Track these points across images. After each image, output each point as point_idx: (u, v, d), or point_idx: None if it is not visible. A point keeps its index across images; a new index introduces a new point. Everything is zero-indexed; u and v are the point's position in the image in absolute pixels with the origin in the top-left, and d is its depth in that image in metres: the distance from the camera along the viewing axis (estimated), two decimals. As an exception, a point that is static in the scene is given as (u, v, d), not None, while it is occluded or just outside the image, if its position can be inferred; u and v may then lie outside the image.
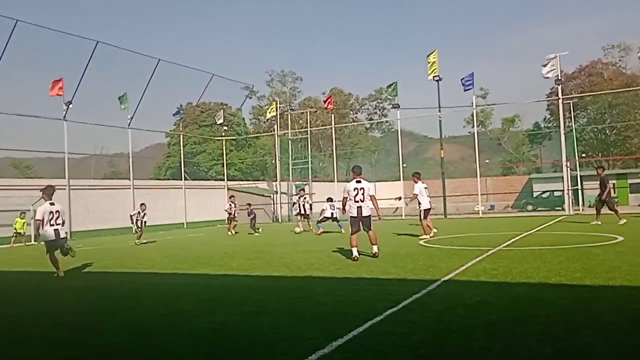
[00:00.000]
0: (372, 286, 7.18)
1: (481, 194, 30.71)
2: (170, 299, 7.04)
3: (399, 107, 32.03)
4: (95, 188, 28.04)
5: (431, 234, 14.51)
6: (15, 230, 21.38)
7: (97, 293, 8.04)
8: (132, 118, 29.08)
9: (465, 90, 29.41)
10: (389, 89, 32.47)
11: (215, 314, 5.89)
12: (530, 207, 37.00)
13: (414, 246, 12.35)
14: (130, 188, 28.60)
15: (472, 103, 32.23)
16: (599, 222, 16.24)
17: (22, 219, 21.64)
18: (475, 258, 9.36)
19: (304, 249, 12.94)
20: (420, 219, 14.77)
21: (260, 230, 21.57)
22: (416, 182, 14.91)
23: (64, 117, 25.83)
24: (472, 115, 36.82)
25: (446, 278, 7.39)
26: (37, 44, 27.30)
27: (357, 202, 10.03)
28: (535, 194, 38.49)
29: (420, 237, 14.31)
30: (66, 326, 5.73)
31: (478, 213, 30.50)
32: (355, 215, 10.13)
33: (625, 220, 15.83)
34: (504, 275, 7.37)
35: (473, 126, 38.53)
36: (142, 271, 10.54)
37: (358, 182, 10.13)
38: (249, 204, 22.97)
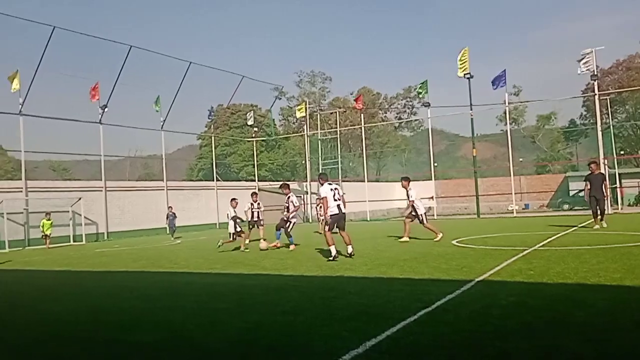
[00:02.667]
0: (404, 286, 7.13)
1: (515, 193, 30.13)
2: (205, 298, 7.15)
3: (429, 105, 31.70)
4: (130, 189, 28.66)
5: (438, 237, 13.58)
6: (43, 232, 21.57)
7: (134, 292, 8.23)
8: (164, 120, 29.66)
9: (496, 88, 28.92)
10: (419, 87, 32.18)
11: (250, 313, 5.95)
12: (566, 206, 36.10)
13: (447, 246, 12.21)
14: (164, 189, 29.16)
15: (505, 100, 31.67)
16: None
17: (48, 220, 21.71)
18: (510, 258, 9.20)
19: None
20: (424, 224, 14.02)
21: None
22: (409, 188, 14.21)
23: (100, 120, 26.54)
24: (505, 112, 36.17)
25: (480, 278, 7.29)
26: (73, 49, 28.15)
27: (337, 200, 10.77)
28: (571, 193, 37.54)
29: (434, 239, 13.49)
30: (104, 324, 5.88)
31: (512, 212, 29.93)
32: (337, 212, 10.75)
33: None
34: (541, 276, 7.22)
35: (506, 124, 37.88)
36: (177, 271, 10.73)
37: (330, 184, 11.01)
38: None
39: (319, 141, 38.32)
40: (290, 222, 14.10)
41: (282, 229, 14.17)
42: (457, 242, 13.12)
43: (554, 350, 3.98)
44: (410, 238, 14.02)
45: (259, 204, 16.76)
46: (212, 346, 4.66)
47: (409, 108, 67.14)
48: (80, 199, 24.41)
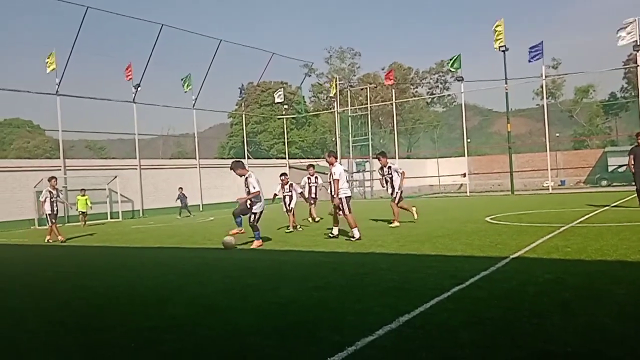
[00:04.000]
0: (437, 263, 7.06)
1: (551, 169, 29.37)
2: (236, 274, 7.24)
3: (462, 80, 31.00)
4: (164, 167, 29.16)
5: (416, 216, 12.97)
6: (78, 210, 21.82)
7: (168, 268, 8.40)
8: (196, 99, 29.88)
9: (533, 61, 28.00)
10: (452, 62, 31.44)
11: (281, 288, 5.99)
12: (604, 182, 35.07)
13: (480, 223, 12.03)
14: (196, 167, 29.55)
15: (542, 73, 30.66)
16: None
17: (82, 196, 21.85)
18: (546, 235, 8.99)
19: (365, 226, 12.90)
20: (397, 203, 12.79)
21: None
22: (388, 164, 13.17)
23: (134, 99, 26.93)
24: (542, 86, 35.11)
25: (515, 255, 7.15)
26: (106, 29, 28.49)
27: (348, 181, 10.82)
28: (610, 168, 36.40)
29: (392, 224, 12.46)
30: (139, 299, 6.02)
31: (548, 189, 29.24)
32: (350, 195, 10.65)
33: None
34: (578, 253, 7.03)
35: (542, 98, 36.78)
36: (209, 247, 10.91)
37: (340, 164, 10.80)
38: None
39: (349, 118, 38.04)
40: (254, 213, 10.47)
41: (240, 216, 10.70)
42: (490, 219, 12.91)
43: (593, 327, 3.88)
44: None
45: (316, 178, 15.61)
46: (245, 321, 4.71)
47: (441, 83, 65.86)
48: (116, 177, 24.99)
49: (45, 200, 14.40)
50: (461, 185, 35.30)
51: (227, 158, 48.16)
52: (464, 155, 30.50)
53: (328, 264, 7.59)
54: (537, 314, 4.30)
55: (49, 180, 14.86)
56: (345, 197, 10.35)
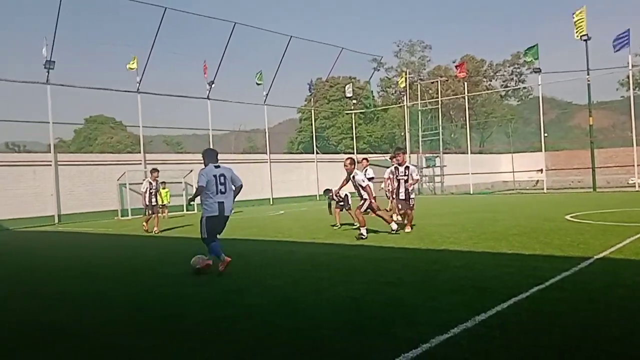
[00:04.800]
0: (513, 262, 6.81)
1: (637, 165, 27.46)
2: (309, 267, 7.34)
3: (539, 71, 29.57)
4: (236, 162, 29.97)
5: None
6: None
7: (244, 258, 8.64)
8: (267, 95, 30.46)
9: (618, 50, 26.23)
10: (529, 52, 30.07)
11: (353, 283, 6.02)
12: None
13: (559, 221, 11.47)
14: (267, 162, 30.19)
15: (628, 63, 28.67)
16: None
17: (163, 189, 21.78)
18: (634, 235, 8.43)
19: (437, 223, 12.69)
20: (406, 209, 11.23)
21: None
22: (406, 164, 11.45)
23: (208, 96, 27.87)
24: (628, 76, 32.83)
25: (600, 256, 6.76)
26: (183, 29, 29.60)
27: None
28: None
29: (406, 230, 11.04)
30: (217, 287, 6.25)
31: (634, 186, 27.36)
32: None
33: None
34: (671, 255, 6.55)
35: (628, 89, 34.42)
36: (281, 239, 11.12)
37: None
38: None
39: (419, 112, 37.41)
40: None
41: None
42: (571, 217, 12.28)
43: (691, 336, 3.61)
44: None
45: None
46: (318, 314, 4.77)
47: (516, 75, 63.12)
48: (191, 170, 25.99)
49: (145, 191, 14.73)
50: (537, 181, 33.78)
51: (296, 153, 48.82)
52: (541, 150, 29.14)
53: (399, 260, 7.53)
54: (626, 318, 4.07)
55: (151, 172, 15.13)
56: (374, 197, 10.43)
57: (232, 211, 7.49)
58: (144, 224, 15.12)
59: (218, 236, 7.33)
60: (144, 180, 15.94)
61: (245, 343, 4.00)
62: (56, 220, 21.34)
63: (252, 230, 13.52)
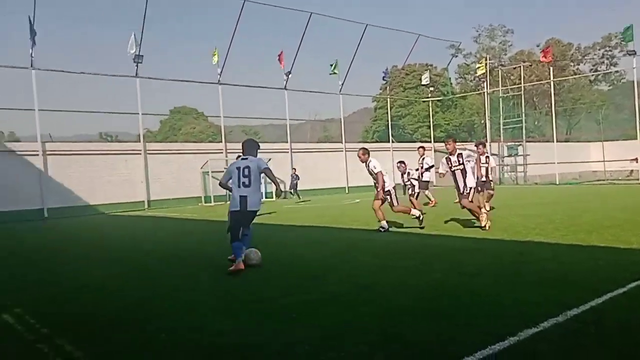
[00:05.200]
0: (606, 255, 6.43)
1: None
2: (387, 255, 7.32)
3: (634, 53, 27.41)
4: (312, 151, 30.37)
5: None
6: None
7: (322, 246, 8.79)
8: (342, 84, 30.48)
9: None
10: (623, 34, 27.93)
11: (433, 272, 5.94)
12: None
13: (658, 214, 10.66)
14: (342, 150, 30.31)
15: None
16: None
17: None
18: None
19: (520, 213, 12.20)
20: (470, 199, 9.92)
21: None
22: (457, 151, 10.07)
23: (285, 86, 28.33)
24: None
25: None
26: (260, 20, 30.18)
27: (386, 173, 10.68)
28: None
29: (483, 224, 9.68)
30: (297, 273, 6.39)
31: None
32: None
33: None
34: None
35: None
36: (357, 227, 11.16)
37: None
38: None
39: (500, 99, 35.92)
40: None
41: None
42: None
43: None
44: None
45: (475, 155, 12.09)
46: (398, 301, 4.76)
47: (607, 59, 58.88)
48: (270, 159, 26.65)
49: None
50: (631, 171, 31.49)
51: (371, 142, 48.59)
52: (636, 138, 27.10)
53: (481, 251, 7.33)
54: None
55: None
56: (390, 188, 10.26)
57: (259, 206, 6.97)
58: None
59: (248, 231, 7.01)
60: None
61: (330, 327, 4.07)
62: (146, 206, 22.69)
63: (328, 219, 13.66)
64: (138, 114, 23.63)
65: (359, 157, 10.36)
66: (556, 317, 3.94)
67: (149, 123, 69.43)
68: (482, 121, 41.34)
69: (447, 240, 8.68)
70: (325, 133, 70.91)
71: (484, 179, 12.05)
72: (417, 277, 5.77)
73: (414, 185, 14.32)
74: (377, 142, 45.90)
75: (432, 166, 15.65)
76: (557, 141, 31.48)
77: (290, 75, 28.15)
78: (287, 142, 28.58)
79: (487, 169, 12.39)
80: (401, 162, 14.71)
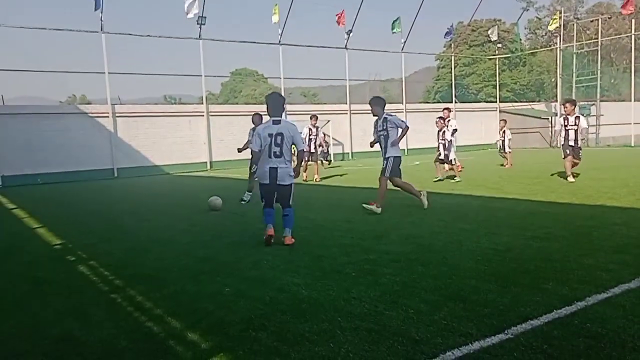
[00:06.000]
0: (688, 221, 6.02)
1: None
2: (448, 218, 7.19)
3: None
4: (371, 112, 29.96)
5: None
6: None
7: (385, 206, 8.72)
8: (405, 42, 29.62)
9: None
10: None
11: (497, 235, 5.79)
12: None
13: None
14: (403, 111, 29.73)
15: None
16: None
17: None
18: None
19: (591, 177, 11.59)
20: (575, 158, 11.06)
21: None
22: (575, 114, 11.09)
23: (345, 46, 27.89)
24: None
25: None
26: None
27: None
28: None
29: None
30: (357, 234, 6.40)
31: None
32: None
33: None
34: None
35: None
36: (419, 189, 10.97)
37: None
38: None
39: (574, 55, 33.76)
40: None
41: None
42: None
43: None
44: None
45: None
46: (461, 263, 4.69)
47: (699, 8, 53.79)
48: (329, 121, 26.60)
49: (305, 137, 14.00)
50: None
51: (433, 102, 47.37)
52: None
53: (548, 214, 7.05)
54: None
55: (310, 118, 14.83)
56: (394, 157, 8.56)
57: (291, 179, 5.95)
58: (304, 173, 14.20)
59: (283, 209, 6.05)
60: (304, 127, 15.16)
61: (389, 286, 4.08)
62: (208, 167, 23.39)
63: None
64: (201, 76, 24.08)
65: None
66: (628, 283, 3.76)
67: (211, 85, 70.82)
68: (553, 79, 39.17)
69: (513, 203, 8.41)
70: (385, 93, 69.76)
71: (572, 142, 10.97)
72: (480, 239, 5.64)
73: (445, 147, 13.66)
74: (439, 102, 44.68)
75: (456, 130, 15.16)
76: (635, 100, 29.44)
77: (351, 34, 27.64)
78: (346, 103, 28.34)
79: (576, 131, 11.00)
80: (441, 117, 14.35)
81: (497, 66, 37.23)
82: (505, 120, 17.03)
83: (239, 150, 10.88)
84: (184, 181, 17.74)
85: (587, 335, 2.97)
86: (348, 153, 27.89)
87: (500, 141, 16.55)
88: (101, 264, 5.46)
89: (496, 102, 35.60)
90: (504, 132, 16.44)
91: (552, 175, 12.32)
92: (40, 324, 3.66)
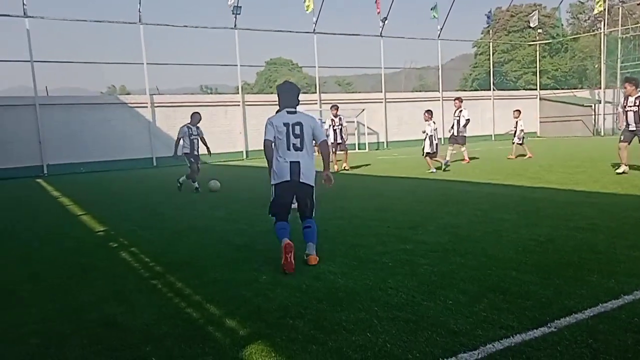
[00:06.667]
0: None
1: None
2: (487, 207, 7.05)
3: None
4: (408, 100, 29.60)
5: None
6: None
7: (416, 196, 8.64)
8: (441, 29, 29.07)
9: None
10: None
11: (538, 226, 5.64)
12: None
13: None
14: (439, 100, 29.26)
15: None
16: None
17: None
18: None
19: (636, 164, 11.15)
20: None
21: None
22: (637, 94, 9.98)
23: (380, 33, 27.57)
24: None
25: None
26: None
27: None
28: None
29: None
30: (392, 223, 6.34)
31: None
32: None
33: None
34: None
35: None
36: (455, 179, 10.83)
37: None
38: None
39: (619, 40, 32.45)
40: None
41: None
42: None
43: None
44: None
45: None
46: (500, 254, 4.58)
47: None
48: (363, 110, 26.43)
49: (328, 129, 14.32)
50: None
51: (470, 90, 46.42)
52: None
53: (592, 204, 6.82)
54: None
55: (331, 109, 15.09)
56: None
57: (314, 179, 4.90)
58: (334, 165, 14.43)
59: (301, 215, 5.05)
60: (326, 119, 15.53)
61: (427, 277, 4.03)
62: (244, 156, 23.61)
63: (424, 170, 13.38)
64: (236, 65, 24.25)
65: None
66: (681, 277, 3.59)
67: (246, 75, 71.35)
68: (596, 65, 37.77)
69: (554, 193, 8.18)
70: (420, 82, 68.80)
71: (632, 127, 10.04)
72: (521, 230, 5.51)
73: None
74: (476, 90, 43.77)
75: (469, 120, 14.82)
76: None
77: (386, 22, 27.29)
78: (381, 91, 28.08)
79: (635, 113, 9.96)
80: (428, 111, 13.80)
81: (538, 52, 36.13)
82: (519, 111, 16.67)
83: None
84: (221, 171, 17.97)
85: (636, 330, 2.86)
86: (383, 142, 27.66)
87: (512, 132, 16.23)
88: (142, 250, 5.59)
89: (536, 89, 34.60)
90: (516, 123, 16.15)
91: (613, 167, 11.91)
92: (84, 308, 3.77)
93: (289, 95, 5.04)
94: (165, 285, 4.24)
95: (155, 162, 21.69)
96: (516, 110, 16.82)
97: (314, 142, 4.92)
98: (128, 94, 33.49)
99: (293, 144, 4.79)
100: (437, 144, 12.81)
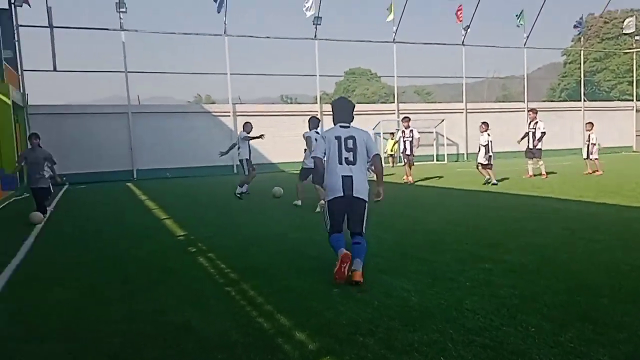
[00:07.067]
0: None
1: None
2: (577, 227, 6.58)
3: None
4: (490, 111, 28.56)
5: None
6: (385, 152, 23.83)
7: (499, 212, 8.26)
8: (528, 37, 27.87)
9: None
10: None
11: (635, 250, 5.20)
12: None
13: None
14: (524, 110, 28.00)
15: None
16: None
17: (392, 139, 23.72)
18: None
19: None
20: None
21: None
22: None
23: (462, 42, 26.88)
24: None
25: None
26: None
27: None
28: None
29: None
30: (471, 240, 6.07)
31: None
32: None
33: None
34: None
35: None
36: (539, 195, 10.27)
37: None
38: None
39: None
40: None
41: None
42: None
43: None
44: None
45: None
46: (590, 278, 4.25)
47: None
48: (443, 120, 25.84)
49: (398, 140, 14.59)
50: None
51: (558, 101, 44.09)
52: None
53: (698, 228, 6.19)
54: None
55: (402, 120, 14.90)
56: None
57: (366, 192, 4.74)
58: (409, 177, 14.51)
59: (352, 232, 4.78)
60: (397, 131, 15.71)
61: (507, 299, 3.80)
62: (321, 165, 23.80)
63: (507, 184, 12.83)
64: (315, 75, 24.56)
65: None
66: None
67: (325, 85, 72.15)
68: None
69: (652, 213, 7.51)
70: (504, 92, 66.29)
71: None
72: (614, 252, 5.09)
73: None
74: (565, 100, 41.49)
75: (544, 133, 14.02)
76: None
77: (468, 30, 26.58)
78: (462, 101, 27.33)
79: None
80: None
81: (635, 60, 33.64)
82: (592, 124, 15.47)
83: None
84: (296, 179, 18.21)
85: None
86: (463, 154, 26.86)
87: (585, 147, 15.25)
88: (218, 255, 5.74)
89: (632, 100, 32.22)
90: (589, 136, 15.08)
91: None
92: (164, 310, 3.91)
93: (343, 111, 4.96)
94: (239, 293, 4.31)
95: (236, 169, 22.37)
96: (588, 123, 15.77)
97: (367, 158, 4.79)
98: (213, 102, 34.96)
99: (345, 157, 4.68)
100: (491, 156, 13.00)
